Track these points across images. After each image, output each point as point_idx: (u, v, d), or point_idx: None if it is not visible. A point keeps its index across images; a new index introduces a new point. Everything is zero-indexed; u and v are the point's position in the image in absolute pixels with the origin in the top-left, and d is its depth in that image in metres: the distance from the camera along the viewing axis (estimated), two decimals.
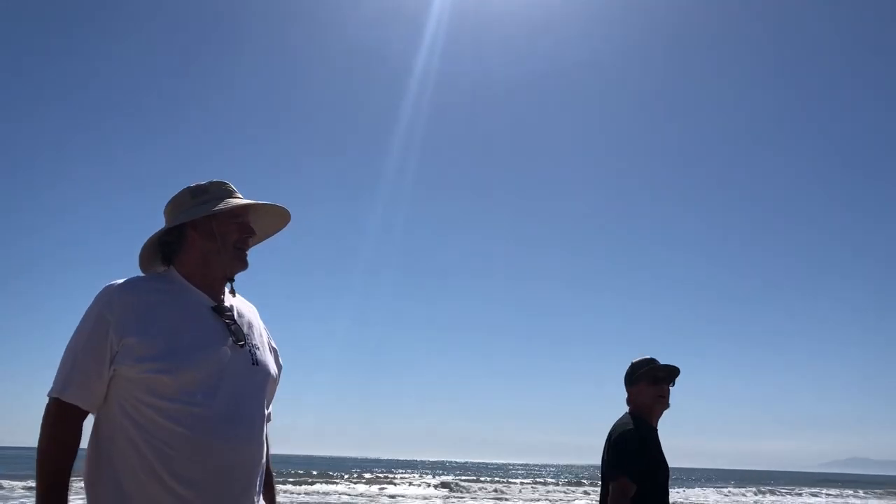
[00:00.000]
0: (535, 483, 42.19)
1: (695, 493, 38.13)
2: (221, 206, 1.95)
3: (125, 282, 1.90)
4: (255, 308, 2.13)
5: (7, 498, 20.36)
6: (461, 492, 31.30)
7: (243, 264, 2.00)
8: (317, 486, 29.86)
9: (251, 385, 1.91)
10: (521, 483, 41.31)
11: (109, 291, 1.86)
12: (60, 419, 1.81)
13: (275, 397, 2.14)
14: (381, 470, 52.99)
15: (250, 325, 2.01)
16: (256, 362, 1.93)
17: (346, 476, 38.54)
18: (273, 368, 2.02)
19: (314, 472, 39.45)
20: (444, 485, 34.33)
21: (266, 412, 1.98)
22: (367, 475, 40.11)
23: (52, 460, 1.79)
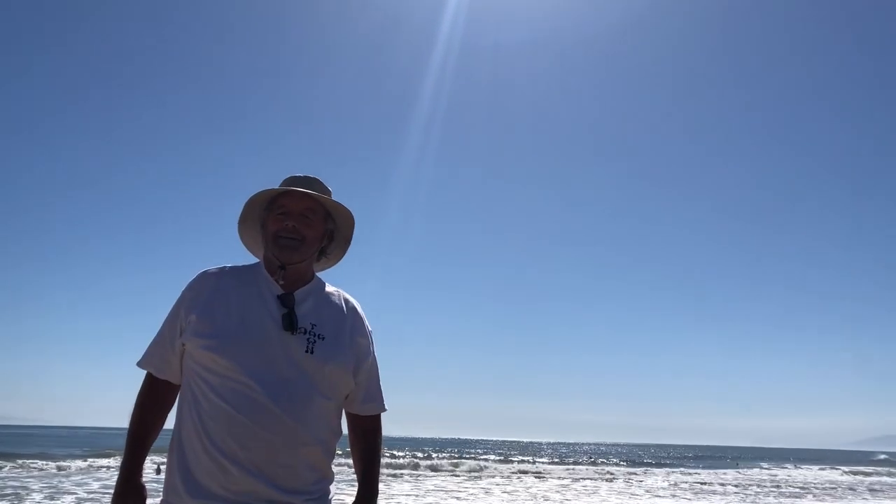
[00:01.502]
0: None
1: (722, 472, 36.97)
2: (247, 202, 2.15)
3: (215, 268, 2.16)
4: (353, 301, 2.23)
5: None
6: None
7: (283, 252, 2.07)
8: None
9: (301, 371, 1.98)
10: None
11: (197, 275, 2.13)
12: (143, 384, 2.13)
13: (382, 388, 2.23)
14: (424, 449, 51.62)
15: (327, 315, 2.10)
16: (312, 350, 2.01)
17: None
18: (341, 358, 2.07)
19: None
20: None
21: (323, 398, 2.02)
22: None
23: (133, 420, 2.10)
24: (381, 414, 2.27)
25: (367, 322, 2.23)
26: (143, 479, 2.10)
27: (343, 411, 2.18)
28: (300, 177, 2.16)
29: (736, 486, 25.04)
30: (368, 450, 2.23)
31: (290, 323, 2.00)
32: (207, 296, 2.05)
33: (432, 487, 19.89)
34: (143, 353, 2.14)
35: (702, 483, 26.28)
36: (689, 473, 33.27)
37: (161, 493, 2.02)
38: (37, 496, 14.60)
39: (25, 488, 16.15)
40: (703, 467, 41.92)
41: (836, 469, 41.88)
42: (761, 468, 41.72)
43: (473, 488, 20.21)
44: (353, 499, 2.18)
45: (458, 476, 25.91)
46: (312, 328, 2.03)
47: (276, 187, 2.13)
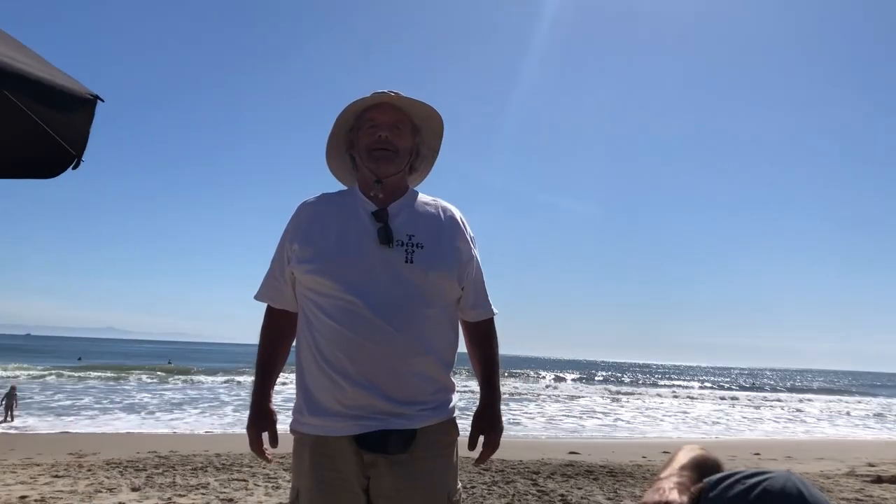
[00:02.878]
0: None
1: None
2: (336, 121, 2.16)
3: (313, 197, 2.21)
4: (452, 208, 2.21)
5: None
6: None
7: (379, 164, 2.09)
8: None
9: (404, 282, 2.00)
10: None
11: (298, 206, 2.20)
12: (264, 316, 2.24)
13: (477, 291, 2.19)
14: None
15: (424, 225, 2.10)
16: (412, 260, 2.01)
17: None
18: (442, 265, 2.05)
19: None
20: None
21: (429, 307, 2.02)
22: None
23: (259, 351, 2.22)
24: (494, 318, 2.25)
25: (468, 228, 2.20)
26: (273, 405, 2.20)
27: (459, 321, 2.19)
28: (385, 91, 2.12)
29: None
30: (485, 355, 2.23)
31: (386, 236, 2.01)
32: (307, 223, 2.11)
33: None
34: (258, 287, 2.22)
35: None
36: None
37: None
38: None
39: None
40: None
41: None
42: None
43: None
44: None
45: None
46: (410, 239, 2.04)
47: (366, 97, 2.11)
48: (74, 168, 2.51)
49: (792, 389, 50.76)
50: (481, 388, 2.20)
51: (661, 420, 19.36)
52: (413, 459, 1.95)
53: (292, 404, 2.07)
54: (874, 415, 24.82)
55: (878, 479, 8.46)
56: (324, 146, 2.24)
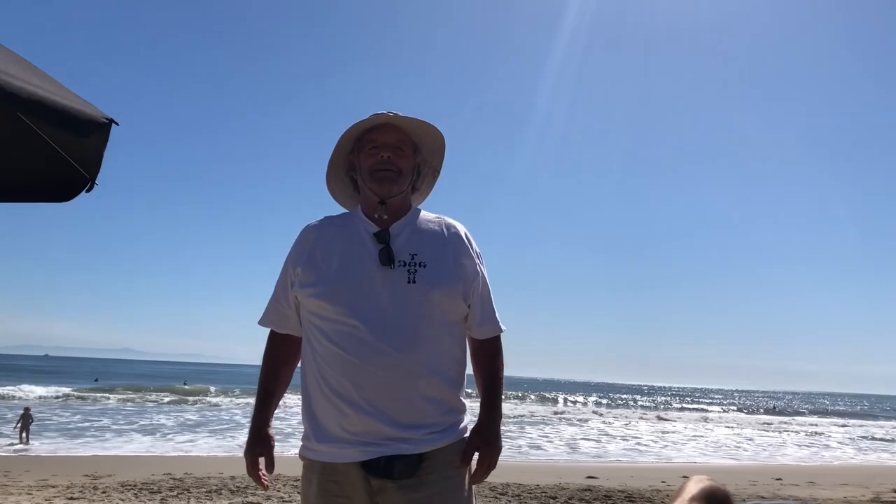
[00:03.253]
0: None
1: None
2: (338, 142, 2.13)
3: (316, 220, 2.19)
4: (456, 224, 2.17)
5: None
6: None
7: (382, 185, 2.07)
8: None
9: (407, 303, 1.97)
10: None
11: (301, 230, 2.18)
12: (267, 340, 2.21)
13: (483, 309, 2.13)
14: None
15: (427, 243, 2.07)
16: (414, 280, 1.98)
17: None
18: (447, 283, 2.02)
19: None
20: None
21: (434, 327, 1.99)
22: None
23: (260, 375, 2.20)
24: (501, 336, 2.20)
25: (473, 244, 2.16)
26: (271, 430, 2.17)
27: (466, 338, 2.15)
28: (384, 112, 2.09)
29: None
30: (488, 374, 2.17)
31: (387, 257, 1.99)
32: (310, 247, 2.10)
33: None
34: (262, 312, 2.20)
35: None
36: None
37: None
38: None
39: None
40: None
41: None
42: None
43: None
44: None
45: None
46: (413, 258, 2.01)
47: (365, 118, 2.09)
48: (88, 191, 2.51)
49: (815, 412, 49.90)
50: (481, 405, 2.13)
51: (682, 444, 19.07)
52: (422, 483, 1.92)
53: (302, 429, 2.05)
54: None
55: None
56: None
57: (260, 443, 2.13)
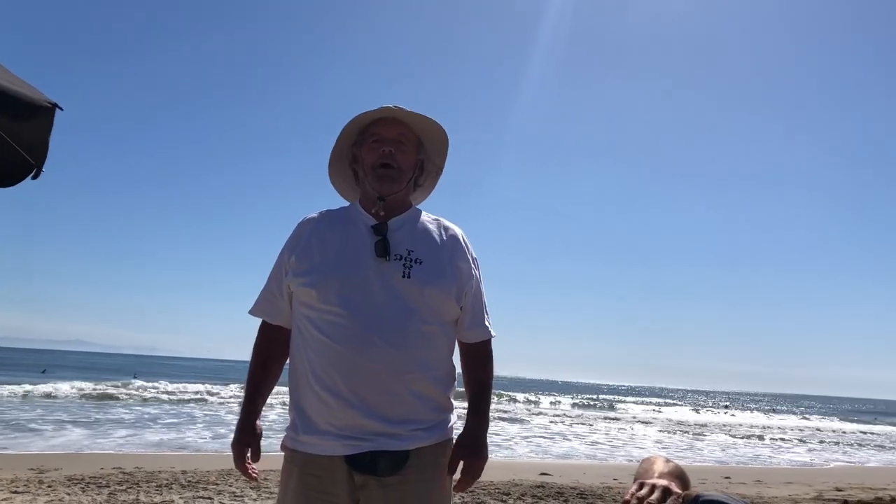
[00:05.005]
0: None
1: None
2: (340, 134, 2.11)
3: (314, 213, 2.20)
4: (454, 227, 2.17)
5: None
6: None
7: (382, 182, 2.07)
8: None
9: (399, 297, 1.96)
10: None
11: (299, 221, 2.18)
12: (258, 331, 2.20)
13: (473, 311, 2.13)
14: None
15: (424, 241, 2.07)
16: (409, 275, 1.97)
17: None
18: (441, 281, 2.02)
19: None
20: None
21: (425, 323, 1.98)
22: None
23: (250, 367, 2.17)
24: (492, 340, 2.19)
25: (470, 248, 2.16)
26: (260, 423, 2.15)
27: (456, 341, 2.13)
28: (389, 105, 2.07)
29: None
30: (477, 379, 2.15)
31: (383, 249, 1.98)
32: (306, 237, 2.10)
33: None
34: (253, 302, 2.18)
35: None
36: None
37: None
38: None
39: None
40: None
41: None
42: None
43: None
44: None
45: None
46: (409, 253, 2.01)
47: (370, 110, 2.06)
48: (34, 178, 2.44)
49: (776, 412, 51.18)
50: (468, 413, 2.12)
51: (637, 442, 19.39)
52: (405, 482, 1.90)
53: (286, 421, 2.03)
54: (853, 442, 25.03)
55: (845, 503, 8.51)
56: (328, 159, 2.20)
57: (247, 434, 2.11)
